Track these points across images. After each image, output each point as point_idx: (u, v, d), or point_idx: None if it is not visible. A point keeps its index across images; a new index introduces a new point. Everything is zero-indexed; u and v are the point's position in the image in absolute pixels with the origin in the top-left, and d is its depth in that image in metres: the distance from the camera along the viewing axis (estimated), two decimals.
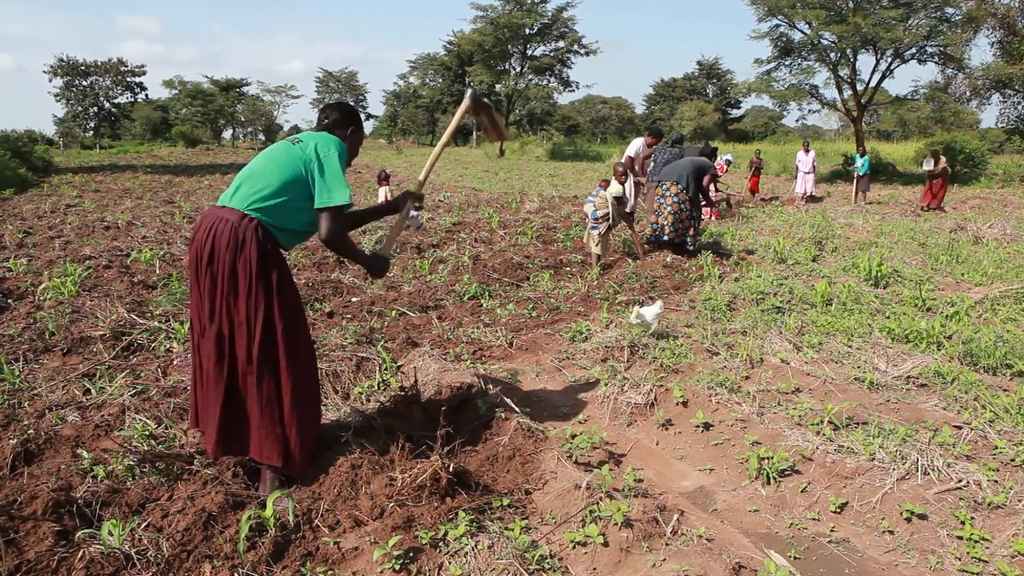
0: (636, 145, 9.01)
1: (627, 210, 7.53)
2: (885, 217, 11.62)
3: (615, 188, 7.02)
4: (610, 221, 6.99)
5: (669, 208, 7.44)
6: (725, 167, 14.41)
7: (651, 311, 4.49)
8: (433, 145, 54.19)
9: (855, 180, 14.81)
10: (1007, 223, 9.82)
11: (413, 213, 2.91)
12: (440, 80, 49.84)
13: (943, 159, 13.34)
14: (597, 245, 7.03)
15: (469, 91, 3.16)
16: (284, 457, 2.58)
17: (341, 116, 2.79)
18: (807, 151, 14.78)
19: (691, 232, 7.55)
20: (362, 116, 2.90)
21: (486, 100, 3.20)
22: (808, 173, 14.73)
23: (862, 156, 14.89)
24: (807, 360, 4.12)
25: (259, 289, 2.49)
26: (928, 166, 13.33)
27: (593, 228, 7.04)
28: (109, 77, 52.87)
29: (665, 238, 7.54)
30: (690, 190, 7.38)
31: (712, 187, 9.60)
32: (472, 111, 3.13)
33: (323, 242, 2.59)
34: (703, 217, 10.44)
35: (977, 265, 6.86)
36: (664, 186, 7.51)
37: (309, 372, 2.69)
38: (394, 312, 5.29)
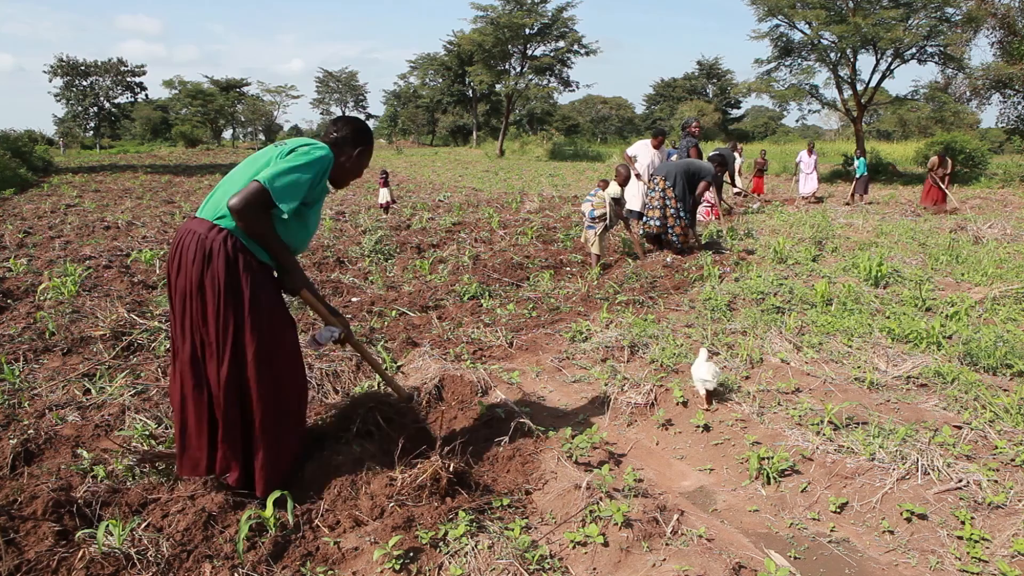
0: (644, 153, 8.90)
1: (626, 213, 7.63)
2: (885, 217, 11.62)
3: (614, 189, 7.03)
4: (607, 222, 7.00)
5: (657, 202, 7.65)
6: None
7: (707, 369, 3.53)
8: (432, 145, 54.26)
9: (853, 181, 14.93)
10: (1007, 223, 9.81)
11: (328, 332, 2.69)
12: (440, 80, 49.83)
13: (948, 162, 13.18)
14: (593, 244, 7.05)
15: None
16: (243, 479, 2.50)
17: (352, 134, 2.56)
18: (811, 153, 14.76)
19: (678, 230, 7.59)
20: (373, 135, 2.70)
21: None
22: (810, 174, 14.73)
23: (858, 158, 14.99)
24: (807, 360, 4.12)
25: (228, 306, 2.32)
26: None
27: (589, 227, 7.07)
28: (109, 77, 52.94)
29: (654, 225, 7.69)
30: (676, 188, 7.54)
31: (712, 192, 9.54)
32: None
33: (229, 207, 2.26)
34: (703, 217, 10.44)
35: (977, 265, 6.86)
36: (655, 180, 7.77)
37: (288, 393, 2.55)
38: (394, 312, 5.29)
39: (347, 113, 65.50)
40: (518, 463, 2.91)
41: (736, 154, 14.84)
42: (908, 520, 2.55)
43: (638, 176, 8.59)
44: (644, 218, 7.81)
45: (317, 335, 2.67)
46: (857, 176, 14.82)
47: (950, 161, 13.24)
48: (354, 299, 5.71)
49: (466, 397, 3.59)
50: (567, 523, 2.43)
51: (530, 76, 37.71)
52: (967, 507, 2.57)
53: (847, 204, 14.29)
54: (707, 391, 3.52)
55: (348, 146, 2.57)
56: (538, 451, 3.02)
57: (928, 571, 2.32)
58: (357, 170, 2.65)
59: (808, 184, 14.82)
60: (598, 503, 2.47)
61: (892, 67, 22.33)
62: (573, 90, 51.02)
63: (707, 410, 3.49)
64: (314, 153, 2.39)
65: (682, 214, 7.58)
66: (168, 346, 4.31)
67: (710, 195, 9.98)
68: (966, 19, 21.59)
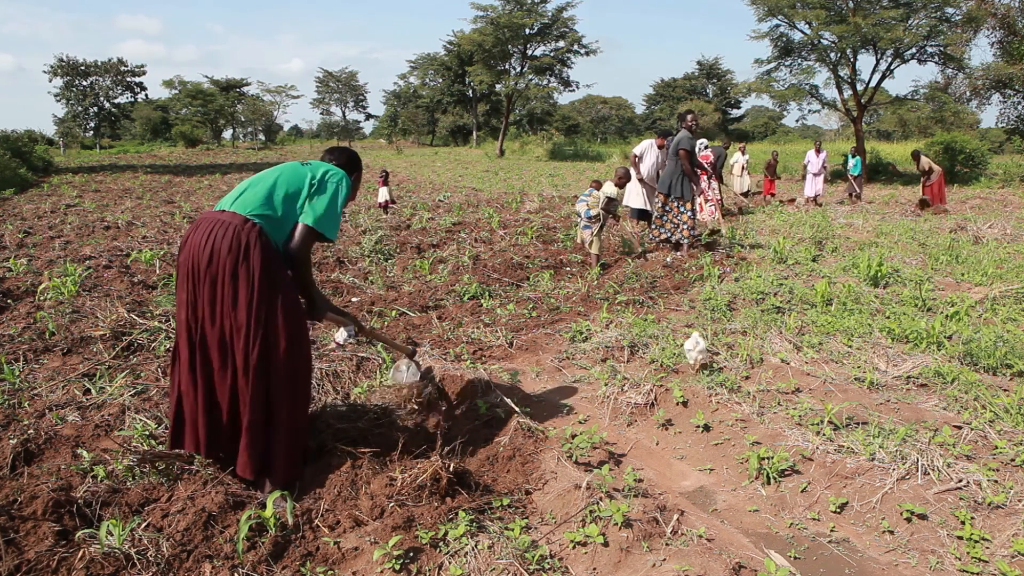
0: (650, 153, 8.91)
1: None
2: (885, 217, 11.62)
3: (609, 190, 7.03)
4: (601, 221, 7.02)
5: (664, 217, 7.87)
6: (712, 157, 14.38)
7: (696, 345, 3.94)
8: (432, 145, 54.28)
9: (848, 180, 15.00)
10: (1007, 223, 9.81)
11: (346, 332, 2.94)
12: (440, 80, 49.83)
13: (923, 159, 13.07)
14: (591, 244, 7.06)
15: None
16: (262, 473, 2.57)
17: (349, 161, 2.92)
18: (818, 152, 14.67)
19: (686, 232, 7.67)
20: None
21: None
22: (817, 175, 14.65)
23: (853, 157, 15.05)
24: (807, 360, 4.12)
25: (263, 294, 2.46)
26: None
27: (585, 227, 7.10)
28: (109, 77, 52.92)
29: (673, 238, 7.88)
30: (671, 191, 7.72)
31: (708, 180, 9.50)
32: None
33: (288, 253, 2.58)
34: (706, 216, 10.41)
35: (977, 265, 6.86)
36: (656, 198, 8.04)
37: (306, 380, 2.69)
38: (394, 312, 5.29)
39: (346, 113, 65.46)
40: (518, 463, 2.91)
41: (739, 153, 14.81)
42: (908, 520, 2.55)
43: (641, 181, 8.64)
44: (656, 230, 7.95)
45: (338, 337, 2.93)
46: (852, 175, 14.87)
47: (925, 159, 13.07)
48: (354, 299, 5.71)
49: (466, 397, 3.59)
50: (567, 523, 2.43)
51: (530, 76, 37.69)
52: (967, 507, 2.57)
53: (842, 203, 14.29)
54: (695, 360, 3.84)
55: (348, 172, 2.87)
56: (538, 451, 3.02)
57: (928, 571, 2.33)
58: (353, 193, 2.94)
59: (813, 185, 14.69)
60: (598, 503, 2.47)
61: (892, 67, 22.34)
62: (573, 90, 51.16)
63: (694, 374, 3.81)
64: (341, 180, 2.70)
65: (682, 208, 7.63)
66: (168, 345, 4.32)
67: (711, 192, 9.92)
68: (966, 19, 21.60)
